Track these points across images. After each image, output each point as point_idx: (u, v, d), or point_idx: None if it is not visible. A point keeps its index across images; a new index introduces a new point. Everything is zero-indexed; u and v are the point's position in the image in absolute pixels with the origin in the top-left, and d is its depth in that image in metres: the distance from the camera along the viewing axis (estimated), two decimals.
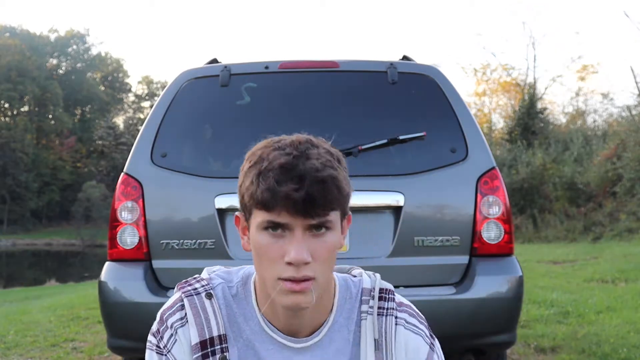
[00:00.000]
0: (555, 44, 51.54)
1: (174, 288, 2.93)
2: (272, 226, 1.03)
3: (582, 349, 3.97)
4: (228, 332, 1.12)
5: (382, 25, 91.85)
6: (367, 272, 1.23)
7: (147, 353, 1.15)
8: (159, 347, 1.12)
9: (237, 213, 1.14)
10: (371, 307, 1.16)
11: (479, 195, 2.72)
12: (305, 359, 1.13)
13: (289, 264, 1.02)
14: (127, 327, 2.66)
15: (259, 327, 1.13)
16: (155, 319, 1.17)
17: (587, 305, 5.54)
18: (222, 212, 2.71)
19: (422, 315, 1.22)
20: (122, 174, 2.81)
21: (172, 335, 1.12)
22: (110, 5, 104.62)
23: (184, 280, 1.19)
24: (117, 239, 2.72)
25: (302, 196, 0.99)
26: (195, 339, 1.10)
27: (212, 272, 1.22)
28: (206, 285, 1.15)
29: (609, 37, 56.52)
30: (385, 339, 1.14)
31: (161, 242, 2.71)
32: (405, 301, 1.22)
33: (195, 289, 1.15)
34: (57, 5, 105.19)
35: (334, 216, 1.05)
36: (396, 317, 1.16)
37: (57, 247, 42.88)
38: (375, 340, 1.14)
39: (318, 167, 1.01)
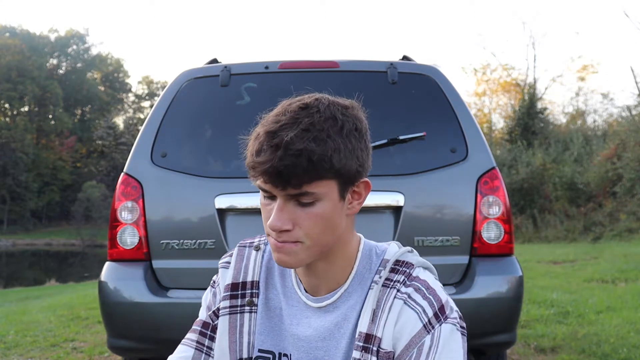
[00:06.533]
0: (555, 44, 51.60)
1: (174, 288, 2.92)
2: (262, 190, 1.07)
3: (582, 349, 3.97)
4: (262, 282, 1.22)
5: (382, 25, 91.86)
6: (401, 246, 1.21)
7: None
8: (214, 281, 1.29)
9: None
10: (381, 277, 1.14)
11: (479, 195, 2.72)
12: (317, 320, 1.15)
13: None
14: (127, 327, 2.65)
15: (291, 284, 1.21)
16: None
17: (587, 305, 5.53)
18: (222, 212, 2.71)
19: (438, 295, 1.10)
20: (122, 174, 2.81)
21: (219, 274, 1.27)
22: (110, 5, 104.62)
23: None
24: (117, 239, 2.72)
25: (274, 168, 1.00)
26: (229, 280, 1.22)
27: None
28: (261, 239, 1.28)
29: (609, 37, 56.57)
30: (382, 310, 1.11)
31: (161, 242, 2.71)
32: (422, 276, 1.13)
33: (252, 242, 1.28)
34: (57, 5, 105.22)
35: (325, 187, 1.04)
36: (398, 290, 1.11)
37: (57, 247, 42.88)
38: (373, 310, 1.11)
39: (294, 139, 1.00)
